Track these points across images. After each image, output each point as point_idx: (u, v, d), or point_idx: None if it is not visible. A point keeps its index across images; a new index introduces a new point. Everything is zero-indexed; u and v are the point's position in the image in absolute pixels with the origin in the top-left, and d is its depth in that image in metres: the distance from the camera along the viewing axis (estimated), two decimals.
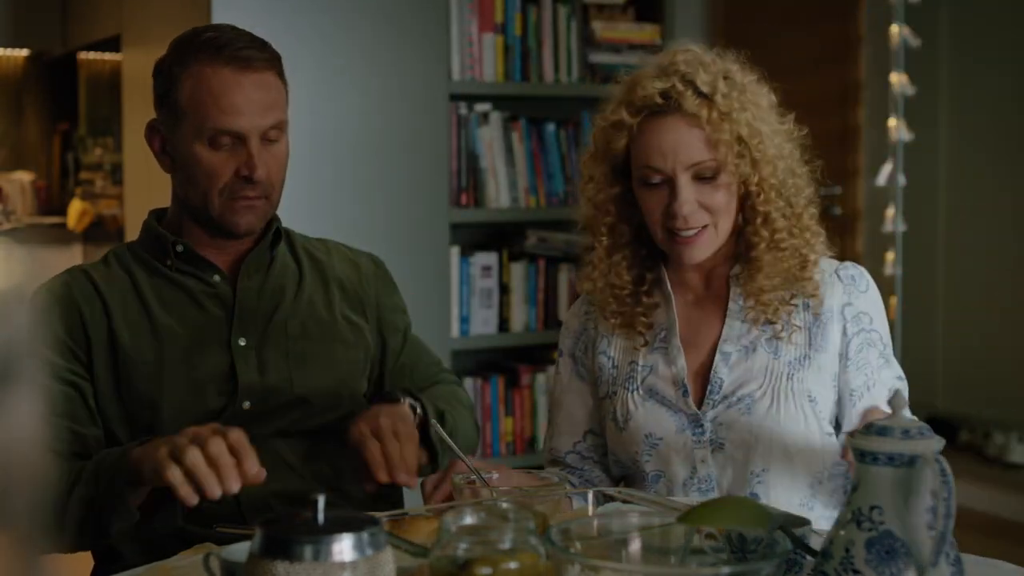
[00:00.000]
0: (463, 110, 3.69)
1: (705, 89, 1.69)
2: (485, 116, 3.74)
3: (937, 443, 1.15)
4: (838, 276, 1.78)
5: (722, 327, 1.78)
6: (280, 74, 1.80)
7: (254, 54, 1.76)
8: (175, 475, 1.44)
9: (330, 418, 1.80)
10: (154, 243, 1.83)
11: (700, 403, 1.76)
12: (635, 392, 1.80)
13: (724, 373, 1.75)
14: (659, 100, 1.69)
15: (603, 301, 1.82)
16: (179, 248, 1.80)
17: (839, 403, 1.76)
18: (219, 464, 1.44)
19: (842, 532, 1.16)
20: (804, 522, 1.36)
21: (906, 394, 1.72)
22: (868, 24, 3.76)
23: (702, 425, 1.75)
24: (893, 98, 3.56)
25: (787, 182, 1.74)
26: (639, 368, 1.81)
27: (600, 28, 3.88)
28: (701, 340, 1.79)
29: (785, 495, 1.71)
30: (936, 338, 3.68)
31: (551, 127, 3.85)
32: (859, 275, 1.79)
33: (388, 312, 1.95)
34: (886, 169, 3.56)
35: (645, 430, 1.77)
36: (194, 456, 1.43)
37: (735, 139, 1.68)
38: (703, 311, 1.81)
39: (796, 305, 1.75)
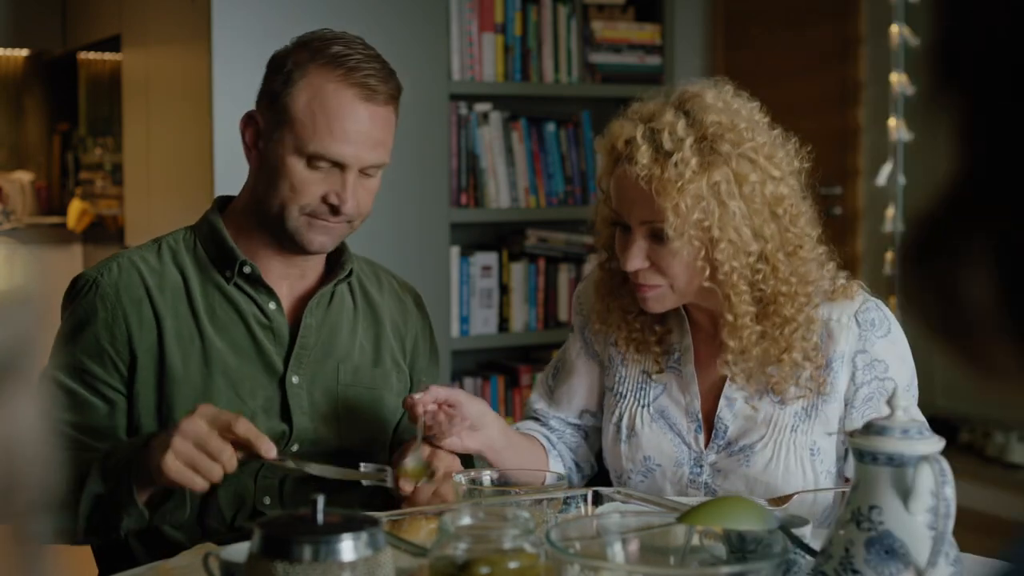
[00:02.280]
0: (463, 110, 3.69)
1: (667, 146, 1.58)
2: (485, 116, 3.74)
3: (937, 443, 1.15)
4: (856, 320, 1.66)
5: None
6: (397, 109, 1.72)
7: (381, 86, 1.67)
8: (173, 464, 1.45)
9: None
10: (218, 250, 1.73)
11: (707, 444, 1.71)
12: (646, 408, 1.74)
13: (728, 419, 1.69)
14: (621, 147, 1.62)
15: (613, 323, 1.76)
16: (246, 270, 1.71)
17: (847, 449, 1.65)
18: (211, 451, 1.46)
19: (841, 532, 1.16)
20: (804, 522, 1.36)
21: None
22: (868, 24, 3.76)
23: (701, 466, 1.70)
24: (893, 98, 3.57)
25: (756, 266, 1.61)
26: (651, 382, 1.75)
27: (600, 28, 3.88)
28: (710, 375, 1.72)
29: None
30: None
31: (551, 127, 3.85)
32: (880, 319, 1.66)
33: (422, 359, 1.89)
34: (886, 169, 3.56)
35: (645, 451, 1.73)
36: (186, 446, 1.46)
37: (679, 209, 1.56)
38: (711, 348, 1.72)
39: (802, 377, 1.65)
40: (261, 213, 1.70)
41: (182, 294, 1.71)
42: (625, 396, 1.77)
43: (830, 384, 1.65)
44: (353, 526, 1.11)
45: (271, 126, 1.68)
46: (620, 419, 1.76)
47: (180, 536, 1.64)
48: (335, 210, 1.66)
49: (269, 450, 1.49)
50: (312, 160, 1.65)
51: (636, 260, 1.63)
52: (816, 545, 1.26)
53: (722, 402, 1.70)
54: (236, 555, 1.23)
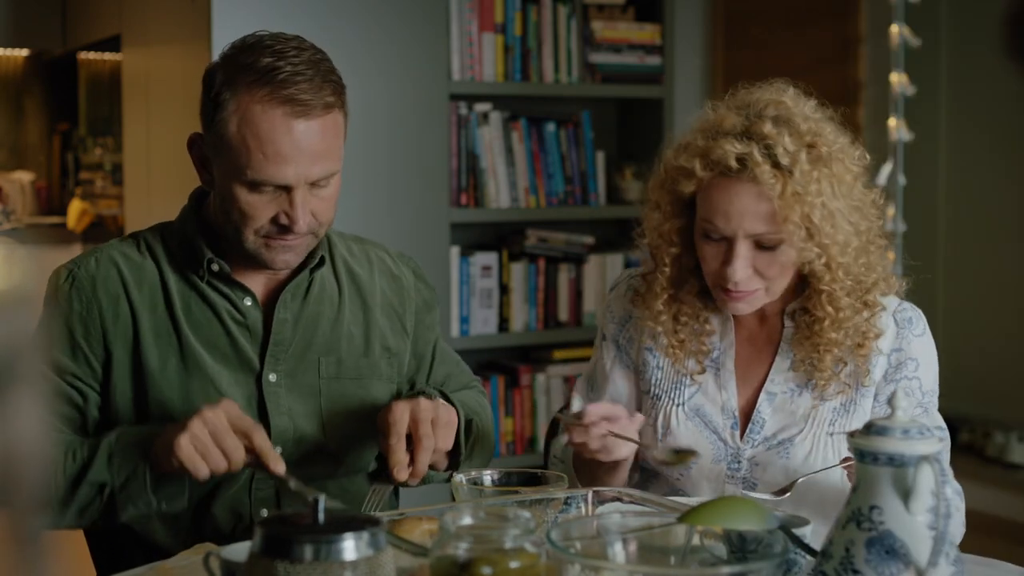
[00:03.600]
0: (463, 110, 3.69)
1: (784, 161, 1.61)
2: (485, 116, 3.74)
3: (937, 443, 1.15)
4: (895, 320, 1.74)
5: (770, 367, 1.76)
6: (343, 107, 1.64)
7: (313, 98, 1.57)
8: (186, 446, 1.47)
9: (358, 470, 1.76)
10: (189, 249, 1.70)
11: (742, 437, 1.75)
12: (681, 407, 1.78)
13: (767, 414, 1.74)
14: (734, 164, 1.62)
15: (667, 329, 1.77)
16: (215, 268, 1.68)
17: None
18: (223, 443, 1.48)
19: (842, 532, 1.16)
20: (804, 522, 1.36)
21: (946, 451, 1.72)
22: (868, 24, 3.76)
23: (740, 461, 1.74)
24: (893, 98, 3.56)
25: (858, 261, 1.68)
26: (686, 382, 1.79)
27: (600, 28, 3.88)
28: (749, 376, 1.77)
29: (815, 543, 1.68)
30: (936, 338, 3.68)
31: (551, 127, 3.85)
32: (916, 318, 1.75)
33: (425, 330, 1.86)
34: (886, 169, 3.56)
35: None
36: (204, 433, 1.47)
37: (804, 219, 1.61)
38: (754, 347, 1.79)
39: (844, 372, 1.71)
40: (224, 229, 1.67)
41: (159, 290, 1.69)
42: (660, 397, 1.80)
43: (870, 379, 1.71)
44: (354, 526, 1.11)
45: (211, 150, 1.63)
46: (656, 419, 1.79)
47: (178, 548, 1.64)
48: (288, 229, 1.61)
49: (278, 466, 1.50)
50: (254, 186, 1.59)
51: (744, 271, 1.65)
52: (816, 545, 1.26)
53: (762, 397, 1.74)
54: (236, 555, 1.23)
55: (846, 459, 1.56)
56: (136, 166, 4.13)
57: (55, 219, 5.65)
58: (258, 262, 1.66)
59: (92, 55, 5.47)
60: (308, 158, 1.58)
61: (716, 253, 1.67)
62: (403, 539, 1.31)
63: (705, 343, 1.78)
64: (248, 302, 1.70)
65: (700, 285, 1.76)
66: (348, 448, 1.72)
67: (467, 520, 1.15)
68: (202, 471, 1.48)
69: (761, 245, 1.64)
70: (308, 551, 1.07)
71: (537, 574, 1.11)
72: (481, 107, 3.73)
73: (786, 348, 1.75)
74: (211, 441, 1.48)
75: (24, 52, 5.91)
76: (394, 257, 1.87)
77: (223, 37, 3.31)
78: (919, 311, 1.76)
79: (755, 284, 1.67)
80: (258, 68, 1.57)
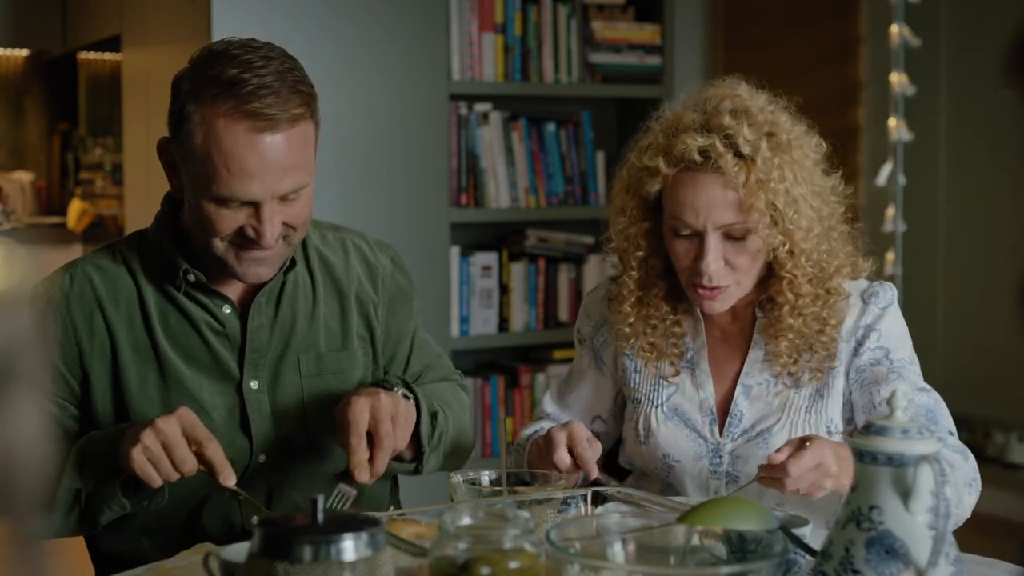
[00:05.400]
0: (463, 110, 3.69)
1: (746, 150, 1.64)
2: (485, 116, 3.74)
3: (937, 443, 1.15)
4: (862, 299, 1.76)
5: (744, 360, 1.77)
6: (313, 116, 1.59)
7: (279, 112, 1.52)
8: (138, 456, 1.47)
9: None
10: (165, 260, 1.67)
11: (721, 432, 1.76)
12: (659, 408, 1.79)
13: (744, 406, 1.76)
14: (697, 158, 1.64)
15: (636, 332, 1.79)
16: (191, 278, 1.65)
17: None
18: (172, 448, 1.48)
19: (842, 532, 1.16)
20: (804, 522, 1.36)
21: (941, 407, 1.71)
22: (868, 24, 3.76)
23: (721, 456, 1.75)
24: (893, 98, 3.56)
25: (820, 247, 1.70)
26: (664, 384, 1.80)
27: (600, 28, 3.88)
28: (725, 372, 1.79)
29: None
30: (936, 338, 3.68)
31: (551, 127, 3.85)
32: (883, 292, 1.76)
33: (401, 320, 1.82)
34: (886, 169, 3.56)
35: (663, 449, 1.78)
36: (155, 444, 1.47)
37: (769, 206, 1.64)
38: (728, 343, 1.80)
39: (809, 358, 1.73)
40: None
41: (136, 304, 1.66)
42: (640, 400, 1.82)
43: (838, 360, 1.72)
44: (353, 526, 1.11)
45: (179, 159, 1.59)
46: (637, 423, 1.81)
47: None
48: (256, 242, 1.57)
49: (227, 478, 1.50)
50: (221, 200, 1.55)
51: (717, 264, 1.66)
52: (816, 545, 1.26)
53: (738, 390, 1.75)
54: (236, 555, 1.23)
55: (763, 466, 1.53)
56: (136, 166, 4.13)
57: (55, 219, 5.65)
58: (231, 274, 1.63)
59: (92, 55, 5.47)
60: (275, 173, 1.53)
61: (688, 249, 1.68)
62: (403, 539, 1.31)
63: (678, 345, 1.79)
64: (227, 310, 1.68)
65: (668, 287, 1.78)
66: (333, 444, 1.69)
67: (466, 520, 1.15)
68: (154, 481, 1.48)
69: (730, 236, 1.66)
70: (307, 551, 1.07)
71: (536, 574, 1.11)
72: (481, 107, 3.73)
73: (759, 339, 1.77)
74: (162, 452, 1.47)
75: (24, 52, 5.91)
76: (372, 245, 1.84)
77: (223, 37, 3.31)
78: (889, 286, 1.77)
79: (727, 279, 1.68)
80: (223, 80, 1.52)
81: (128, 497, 1.57)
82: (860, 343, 1.73)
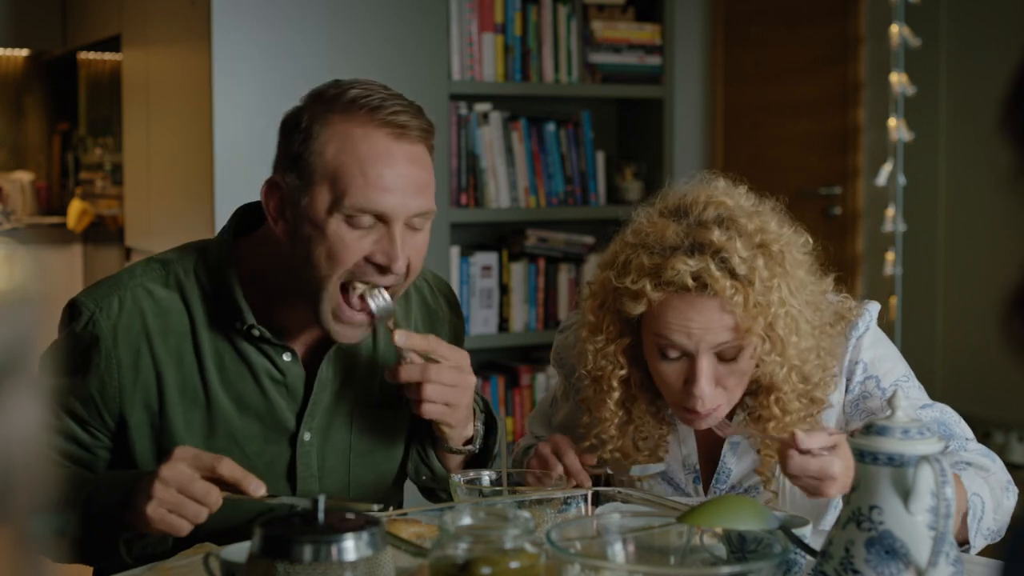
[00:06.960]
0: (463, 110, 3.69)
1: (742, 271, 1.51)
2: (485, 116, 3.74)
3: (937, 443, 1.15)
4: (843, 335, 1.65)
5: (731, 415, 1.66)
6: (432, 150, 1.55)
7: (411, 121, 1.51)
8: (155, 511, 1.37)
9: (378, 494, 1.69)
10: (228, 302, 1.55)
11: (706, 489, 1.70)
12: (639, 465, 1.71)
13: (732, 463, 1.69)
14: (690, 283, 1.50)
15: (627, 450, 1.68)
16: (256, 333, 1.55)
17: None
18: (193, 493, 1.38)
19: (842, 532, 1.16)
20: (804, 522, 1.36)
21: (950, 414, 1.68)
22: (868, 24, 3.76)
23: None
24: (893, 98, 3.57)
25: (809, 359, 1.58)
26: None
27: (600, 28, 3.88)
28: (704, 432, 1.68)
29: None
30: (936, 338, 3.68)
31: (551, 127, 3.85)
32: (861, 321, 1.66)
33: None
34: (886, 169, 3.56)
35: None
36: (169, 493, 1.38)
37: (767, 328, 1.53)
38: None
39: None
40: (293, 287, 1.53)
41: (188, 339, 1.56)
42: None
43: (829, 401, 1.64)
44: (353, 526, 1.11)
45: (297, 190, 1.49)
46: None
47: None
48: (382, 270, 1.49)
49: (257, 488, 1.39)
50: (351, 218, 1.47)
51: (710, 387, 1.56)
52: (816, 545, 1.26)
53: (725, 448, 1.68)
54: (236, 555, 1.23)
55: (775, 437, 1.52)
56: (136, 166, 4.13)
57: (55, 219, 5.65)
58: (321, 326, 1.53)
59: (92, 55, 5.47)
60: (411, 187, 1.51)
61: (677, 371, 1.56)
62: (403, 539, 1.31)
63: (663, 443, 1.71)
64: (287, 357, 1.58)
65: (649, 398, 1.67)
66: (366, 494, 1.64)
67: (466, 520, 1.15)
68: (181, 528, 1.39)
69: (722, 357, 1.55)
70: (308, 551, 1.07)
71: (537, 574, 1.11)
72: (481, 107, 3.73)
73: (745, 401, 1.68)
74: (179, 496, 1.38)
75: (24, 52, 5.91)
76: (432, 285, 1.78)
77: (223, 37, 3.31)
78: (867, 310, 1.67)
79: (719, 399, 1.57)
80: (349, 99, 1.50)
81: (130, 549, 1.48)
82: (848, 379, 1.66)
